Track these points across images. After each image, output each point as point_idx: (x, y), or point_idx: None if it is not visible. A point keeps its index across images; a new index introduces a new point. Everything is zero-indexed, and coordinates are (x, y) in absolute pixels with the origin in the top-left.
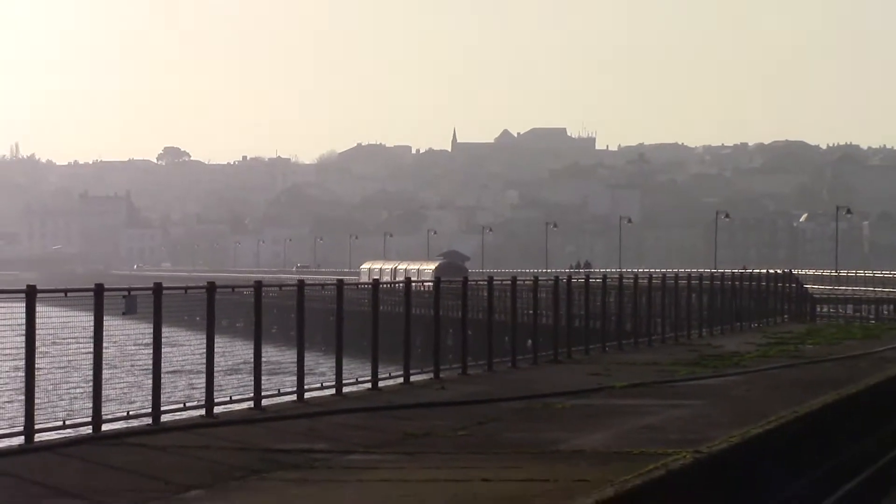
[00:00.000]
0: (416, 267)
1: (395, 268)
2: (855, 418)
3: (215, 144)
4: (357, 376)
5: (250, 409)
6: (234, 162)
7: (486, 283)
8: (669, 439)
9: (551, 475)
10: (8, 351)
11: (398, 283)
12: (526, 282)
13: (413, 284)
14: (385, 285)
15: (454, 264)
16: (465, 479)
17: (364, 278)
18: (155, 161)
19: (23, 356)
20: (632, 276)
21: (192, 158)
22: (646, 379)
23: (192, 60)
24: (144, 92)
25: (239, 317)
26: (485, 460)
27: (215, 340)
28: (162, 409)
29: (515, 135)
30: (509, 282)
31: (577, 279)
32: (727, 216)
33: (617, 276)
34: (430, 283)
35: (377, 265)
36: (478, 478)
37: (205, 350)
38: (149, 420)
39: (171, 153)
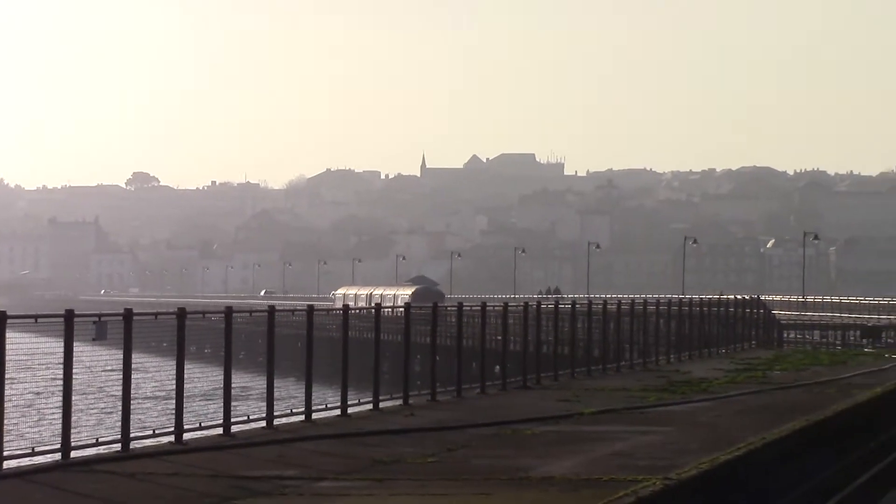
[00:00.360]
0: (392, 293)
1: (371, 293)
2: (824, 445)
3: (185, 170)
4: (326, 402)
5: (220, 435)
6: (204, 187)
7: (455, 308)
8: (639, 466)
9: (521, 502)
10: None
11: (369, 308)
12: (496, 308)
13: (384, 310)
14: (355, 311)
15: (432, 290)
16: None
17: (339, 304)
18: (124, 186)
19: None
20: (601, 301)
21: (161, 184)
22: (615, 405)
23: (162, 86)
24: (114, 117)
25: (207, 343)
26: (455, 487)
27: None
28: (131, 435)
29: (484, 160)
30: (479, 307)
31: (547, 305)
32: (695, 242)
33: (586, 301)
34: (402, 309)
35: (352, 291)
36: None
37: (174, 376)
38: (118, 447)
39: (141, 178)
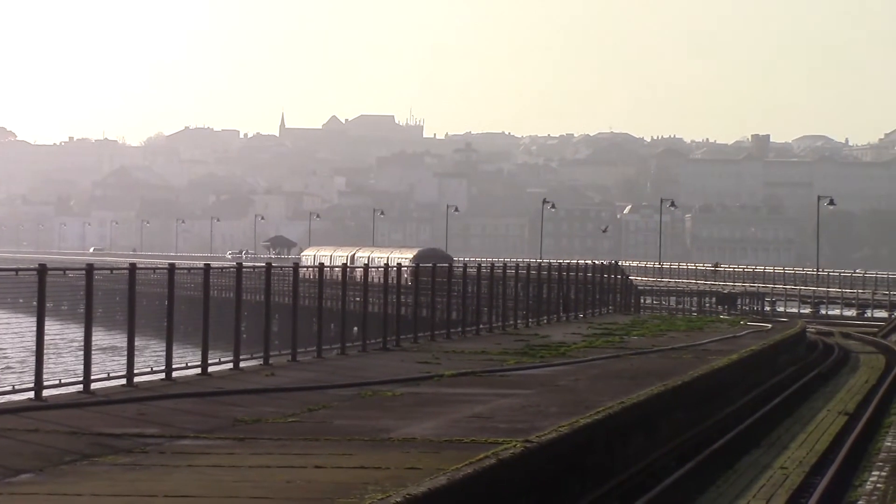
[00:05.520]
0: (388, 255)
1: (354, 255)
2: (681, 410)
3: (41, 124)
4: (187, 361)
5: (79, 392)
6: (61, 143)
7: (316, 269)
8: (499, 428)
9: (384, 463)
10: None
11: (230, 268)
12: (357, 269)
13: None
14: (217, 270)
15: (437, 251)
16: (297, 466)
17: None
18: None
19: None
20: (460, 264)
21: (17, 139)
22: (474, 368)
23: (18, 39)
24: None
25: (63, 299)
26: (317, 447)
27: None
28: None
29: (343, 121)
30: (339, 269)
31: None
32: (553, 207)
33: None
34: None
35: (325, 251)
36: (311, 465)
37: (34, 333)
38: None
39: None
